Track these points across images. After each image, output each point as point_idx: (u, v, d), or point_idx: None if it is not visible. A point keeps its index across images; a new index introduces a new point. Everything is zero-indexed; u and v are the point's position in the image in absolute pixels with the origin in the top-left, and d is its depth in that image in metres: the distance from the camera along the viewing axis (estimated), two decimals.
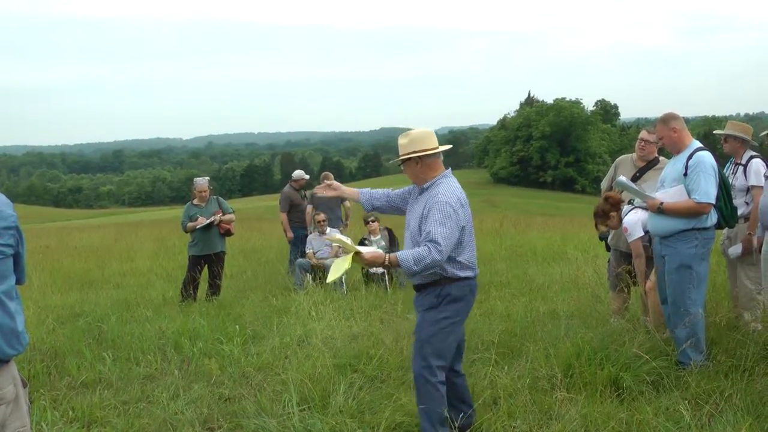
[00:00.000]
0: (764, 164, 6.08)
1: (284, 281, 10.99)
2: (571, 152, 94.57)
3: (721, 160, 5.62)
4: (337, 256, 10.41)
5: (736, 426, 4.06)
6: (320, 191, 4.71)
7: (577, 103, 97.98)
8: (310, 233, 11.08)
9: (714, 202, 5.25)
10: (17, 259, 2.99)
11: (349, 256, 4.19)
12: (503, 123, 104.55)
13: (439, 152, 4.26)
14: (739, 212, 5.83)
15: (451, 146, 4.68)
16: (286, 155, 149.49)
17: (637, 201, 6.09)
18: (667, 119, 5.50)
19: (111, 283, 12.06)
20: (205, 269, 9.65)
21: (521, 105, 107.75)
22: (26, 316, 2.98)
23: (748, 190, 6.10)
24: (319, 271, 10.39)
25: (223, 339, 6.85)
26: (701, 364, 5.14)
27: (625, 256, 6.60)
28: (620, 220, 6.29)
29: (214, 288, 9.60)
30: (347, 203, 11.79)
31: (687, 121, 5.67)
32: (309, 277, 10.29)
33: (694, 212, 5.23)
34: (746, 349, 5.12)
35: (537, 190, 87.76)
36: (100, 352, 6.63)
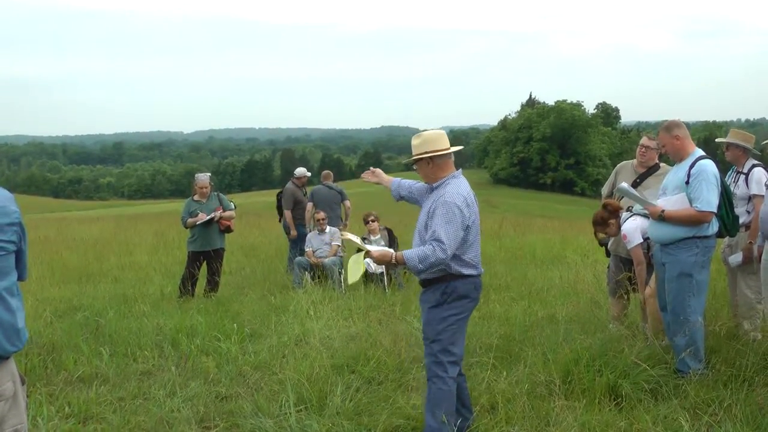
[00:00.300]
0: (766, 173, 6.07)
1: (283, 279, 10.98)
2: (571, 154, 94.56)
3: (722, 166, 5.61)
4: (335, 255, 10.42)
5: None
6: (366, 177, 4.87)
7: (578, 106, 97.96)
8: (309, 231, 11.08)
9: (715, 210, 5.24)
10: (19, 255, 2.99)
11: (362, 254, 4.37)
12: (504, 124, 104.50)
13: (450, 153, 4.37)
14: (741, 221, 5.83)
15: (462, 147, 4.83)
16: (286, 151, 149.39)
17: (637, 207, 6.08)
18: (670, 127, 5.49)
19: (109, 277, 12.03)
20: (204, 265, 9.64)
21: (522, 106, 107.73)
22: (24, 308, 2.96)
23: (750, 198, 6.10)
24: (318, 270, 10.38)
25: (221, 336, 6.84)
26: (700, 373, 5.13)
27: (624, 262, 6.60)
28: (619, 228, 6.29)
29: (213, 284, 9.60)
30: (347, 202, 11.79)
31: (688, 125, 5.67)
32: (308, 275, 10.28)
33: (696, 221, 5.22)
34: (746, 358, 5.12)
35: (536, 192, 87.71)
36: (97, 347, 6.62)
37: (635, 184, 6.53)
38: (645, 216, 5.86)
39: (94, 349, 6.57)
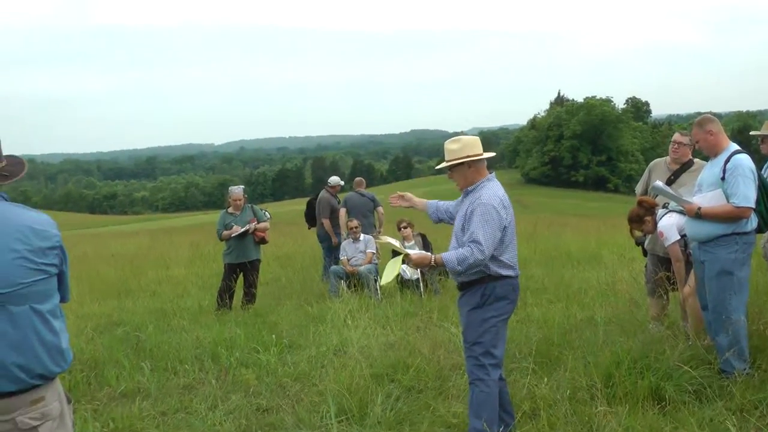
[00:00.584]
0: None
1: (319, 288, 11.02)
2: (602, 151, 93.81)
3: (757, 158, 5.50)
4: (370, 262, 10.42)
5: None
6: (394, 202, 4.89)
7: (607, 102, 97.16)
8: (344, 239, 11.11)
9: (753, 206, 5.14)
10: (61, 277, 3.03)
11: (400, 258, 4.42)
12: (533, 123, 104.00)
13: (485, 157, 4.46)
14: None
15: (494, 154, 4.91)
16: (317, 159, 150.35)
17: (673, 205, 5.99)
18: (703, 122, 5.39)
19: (147, 292, 12.19)
20: (241, 277, 9.72)
21: (551, 104, 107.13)
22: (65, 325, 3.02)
23: None
24: (354, 278, 10.40)
25: (260, 348, 6.88)
26: (745, 373, 5.02)
27: (662, 261, 6.50)
28: (655, 225, 6.20)
29: (250, 296, 9.66)
30: (380, 209, 11.79)
31: (720, 117, 5.59)
32: (343, 284, 10.29)
33: (734, 217, 5.12)
34: None
35: (569, 190, 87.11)
36: (138, 362, 6.70)
37: (669, 182, 6.43)
38: (681, 212, 5.77)
39: (135, 364, 6.65)
